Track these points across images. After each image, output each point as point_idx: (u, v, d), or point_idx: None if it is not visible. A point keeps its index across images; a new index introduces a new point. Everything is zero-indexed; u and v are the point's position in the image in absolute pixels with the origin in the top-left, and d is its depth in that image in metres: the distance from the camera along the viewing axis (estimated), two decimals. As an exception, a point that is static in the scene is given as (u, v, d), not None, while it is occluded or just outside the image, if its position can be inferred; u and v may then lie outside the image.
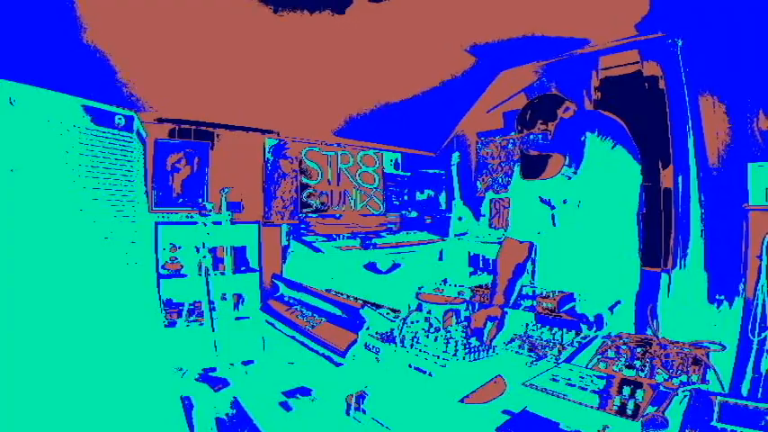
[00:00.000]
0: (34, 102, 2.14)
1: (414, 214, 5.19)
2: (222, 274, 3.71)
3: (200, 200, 3.71)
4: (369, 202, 4.90)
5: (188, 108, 3.61)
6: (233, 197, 3.83)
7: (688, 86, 3.04)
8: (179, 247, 3.60)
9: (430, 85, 4.03)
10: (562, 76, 3.70)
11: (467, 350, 1.94)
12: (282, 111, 3.92)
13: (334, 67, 3.46)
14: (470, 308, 2.48)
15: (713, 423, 1.25)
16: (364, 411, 1.77)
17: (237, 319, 3.74)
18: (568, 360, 1.86)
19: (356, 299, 2.99)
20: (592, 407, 1.38)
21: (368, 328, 2.37)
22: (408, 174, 5.21)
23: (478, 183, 4.72)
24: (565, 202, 2.45)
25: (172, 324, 3.43)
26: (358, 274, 4.28)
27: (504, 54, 3.73)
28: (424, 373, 1.91)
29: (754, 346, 2.46)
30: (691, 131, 3.04)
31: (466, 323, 2.37)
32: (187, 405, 2.45)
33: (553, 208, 2.48)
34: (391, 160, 5.12)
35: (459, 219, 4.92)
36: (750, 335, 2.47)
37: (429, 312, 2.39)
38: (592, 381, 1.55)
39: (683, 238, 3.07)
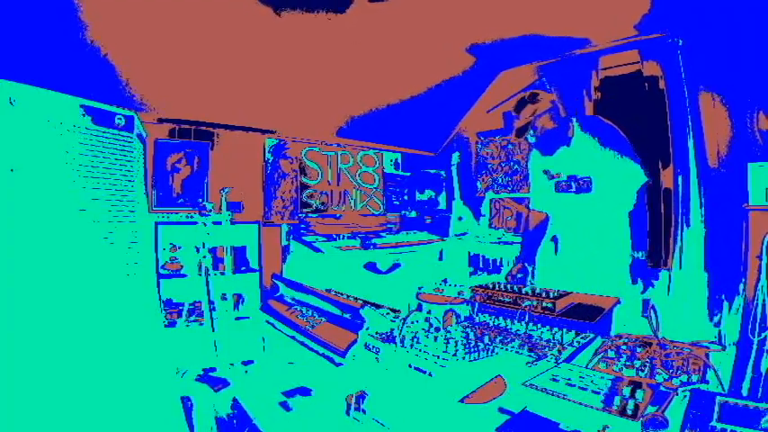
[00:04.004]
0: (34, 102, 2.14)
1: (413, 214, 5.19)
2: (222, 274, 3.71)
3: (200, 200, 3.70)
4: (369, 202, 4.90)
5: (188, 108, 3.61)
6: (233, 197, 3.83)
7: (688, 86, 3.04)
8: (179, 247, 3.60)
9: (430, 85, 4.03)
10: (562, 76, 3.70)
11: (467, 350, 1.95)
12: (282, 111, 3.91)
13: (334, 67, 3.46)
14: (471, 308, 2.48)
15: (713, 423, 1.25)
16: (364, 411, 1.77)
17: (237, 319, 3.74)
18: (568, 360, 1.86)
19: (356, 299, 2.99)
20: (592, 407, 1.38)
21: (368, 328, 2.37)
22: (408, 174, 5.21)
23: (478, 183, 4.72)
24: (560, 174, 2.92)
25: (172, 324, 3.43)
26: (358, 274, 4.28)
27: (504, 54, 3.72)
28: (424, 373, 1.91)
29: (754, 346, 2.46)
30: (691, 131, 3.04)
31: (466, 323, 2.38)
32: (187, 405, 2.45)
33: (553, 177, 2.96)
34: (391, 160, 5.12)
35: (460, 219, 4.92)
36: (750, 335, 2.47)
37: (429, 312, 2.39)
38: (592, 381, 1.55)
39: (683, 237, 3.07)
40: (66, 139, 2.27)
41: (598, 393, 1.45)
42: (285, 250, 4.24)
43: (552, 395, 1.48)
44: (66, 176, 2.26)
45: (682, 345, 1.71)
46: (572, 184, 2.86)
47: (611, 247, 2.70)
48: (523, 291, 2.40)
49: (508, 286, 2.51)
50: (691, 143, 3.03)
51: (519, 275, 3.02)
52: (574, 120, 2.89)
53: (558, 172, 2.91)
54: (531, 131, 2.83)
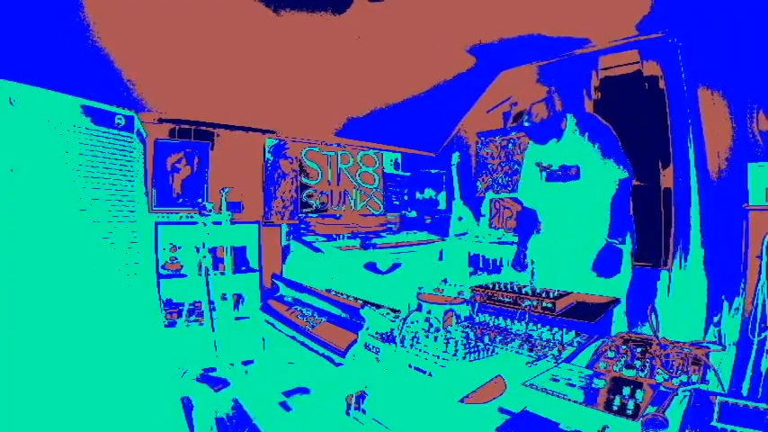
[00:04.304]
0: (34, 102, 2.14)
1: (414, 214, 5.19)
2: (222, 274, 3.71)
3: (200, 200, 3.70)
4: (369, 202, 4.90)
5: (188, 108, 3.61)
6: (233, 197, 3.83)
7: (688, 86, 3.04)
8: (179, 247, 3.60)
9: (430, 85, 4.03)
10: (562, 76, 3.70)
11: (467, 350, 1.95)
12: (282, 111, 3.92)
13: (334, 67, 3.46)
14: (471, 308, 2.48)
15: (713, 423, 1.25)
16: (364, 411, 1.78)
17: (237, 319, 3.74)
18: (568, 360, 1.86)
19: (356, 299, 2.99)
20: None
21: (368, 328, 2.37)
22: (408, 174, 5.21)
23: (478, 183, 4.72)
24: (550, 166, 3.05)
25: (172, 324, 3.43)
26: (358, 274, 4.28)
27: (504, 54, 3.72)
28: (424, 373, 1.91)
29: (754, 347, 2.46)
30: (691, 131, 3.04)
31: (467, 323, 2.38)
32: (187, 405, 2.45)
33: (545, 168, 3.09)
34: (391, 160, 5.12)
35: (460, 219, 4.92)
36: (750, 335, 2.47)
37: (429, 312, 2.39)
38: (593, 381, 1.55)
39: (683, 237, 3.07)
40: (66, 139, 2.27)
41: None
42: (285, 250, 4.24)
43: (552, 395, 1.48)
44: (66, 176, 2.26)
45: (682, 345, 1.71)
46: (561, 172, 2.94)
47: (597, 234, 2.78)
48: (523, 291, 2.40)
49: (508, 286, 2.51)
50: (691, 143, 3.03)
51: (527, 262, 3.16)
52: (569, 115, 2.94)
53: (549, 163, 2.97)
54: (526, 117, 2.91)
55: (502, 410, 1.52)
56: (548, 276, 2.98)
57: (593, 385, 1.48)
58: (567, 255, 2.88)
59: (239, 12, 2.72)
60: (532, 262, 3.14)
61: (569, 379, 1.57)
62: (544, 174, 3.02)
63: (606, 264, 2.75)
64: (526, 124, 2.92)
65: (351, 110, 4.18)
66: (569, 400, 1.42)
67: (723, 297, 2.84)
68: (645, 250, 3.17)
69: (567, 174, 2.91)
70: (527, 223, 3.20)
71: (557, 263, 2.95)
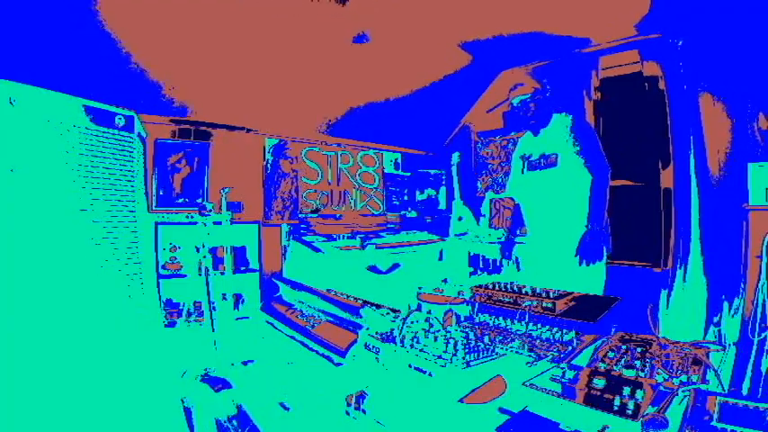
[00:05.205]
0: (34, 102, 2.14)
1: (413, 214, 5.19)
2: (222, 274, 3.71)
3: (200, 200, 3.70)
4: (369, 202, 4.90)
5: (188, 107, 3.61)
6: (233, 197, 3.83)
7: (688, 86, 3.04)
8: (179, 248, 3.59)
9: (429, 83, 4.03)
10: (562, 76, 3.70)
11: (467, 350, 1.95)
12: (279, 110, 3.91)
13: (333, 66, 3.46)
14: (471, 308, 2.48)
15: (713, 423, 1.25)
16: (364, 411, 1.78)
17: (237, 319, 3.74)
18: (567, 360, 1.86)
19: (356, 299, 2.99)
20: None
21: (368, 328, 2.37)
22: (408, 174, 5.21)
23: (478, 183, 4.72)
24: (531, 156, 3.20)
25: (172, 324, 3.43)
26: (358, 274, 4.27)
27: (503, 54, 3.73)
28: (424, 373, 1.91)
29: (754, 347, 2.46)
30: (691, 131, 3.04)
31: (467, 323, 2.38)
32: (187, 405, 2.45)
33: (526, 159, 3.23)
34: (391, 160, 5.12)
35: (459, 219, 4.91)
36: (750, 335, 2.47)
37: (429, 312, 2.39)
38: (592, 381, 1.55)
39: (683, 237, 3.07)
40: (66, 139, 2.27)
41: (597, 394, 1.45)
42: (285, 250, 4.24)
43: (552, 395, 1.48)
44: (66, 176, 2.27)
45: (682, 345, 1.71)
46: (541, 161, 3.04)
47: (579, 221, 2.84)
48: (523, 291, 2.40)
49: (508, 286, 2.51)
50: (691, 143, 3.03)
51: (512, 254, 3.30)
52: (555, 114, 3.04)
53: (529, 153, 3.16)
54: (520, 100, 3.04)
55: (502, 410, 1.52)
56: (532, 270, 3.03)
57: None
58: (549, 249, 2.93)
59: (234, 7, 2.72)
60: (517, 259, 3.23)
61: (569, 379, 1.57)
62: (526, 164, 3.12)
63: (589, 250, 2.79)
64: (515, 102, 2.99)
65: (349, 109, 4.17)
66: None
67: (723, 297, 2.84)
68: (644, 250, 3.18)
69: (546, 162, 2.97)
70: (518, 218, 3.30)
71: (538, 258, 3.03)
